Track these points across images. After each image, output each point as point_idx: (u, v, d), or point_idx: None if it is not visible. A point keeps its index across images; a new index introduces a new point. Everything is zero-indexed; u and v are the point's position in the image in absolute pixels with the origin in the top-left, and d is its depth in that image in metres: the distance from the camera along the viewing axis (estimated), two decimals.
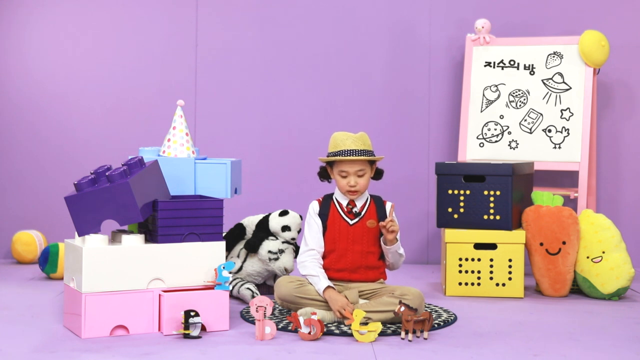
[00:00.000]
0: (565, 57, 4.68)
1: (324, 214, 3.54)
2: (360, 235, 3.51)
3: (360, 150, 3.46)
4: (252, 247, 3.89)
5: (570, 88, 4.66)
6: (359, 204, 3.54)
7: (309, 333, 3.18)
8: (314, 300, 3.41)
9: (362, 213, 3.53)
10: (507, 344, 3.16)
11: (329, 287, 3.40)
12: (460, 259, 4.06)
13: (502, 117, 4.73)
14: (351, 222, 3.52)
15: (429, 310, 3.58)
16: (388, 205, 3.57)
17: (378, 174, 3.57)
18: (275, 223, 3.94)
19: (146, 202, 3.26)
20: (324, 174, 3.58)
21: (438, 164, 4.16)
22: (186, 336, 3.18)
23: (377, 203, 3.57)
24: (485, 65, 4.79)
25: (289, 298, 3.42)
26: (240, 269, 3.95)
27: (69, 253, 3.34)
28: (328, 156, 3.50)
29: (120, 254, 3.23)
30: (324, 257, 3.53)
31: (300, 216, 3.98)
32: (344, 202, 3.53)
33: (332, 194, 3.58)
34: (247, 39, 5.03)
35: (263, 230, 3.95)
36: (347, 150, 3.45)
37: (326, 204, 3.56)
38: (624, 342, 3.21)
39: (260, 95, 5.04)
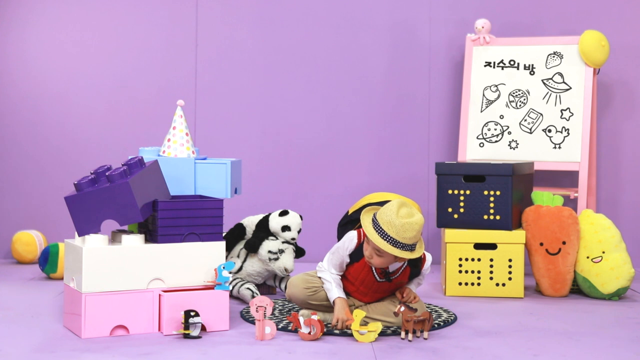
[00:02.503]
0: (565, 57, 4.68)
1: (356, 257, 3.29)
2: (385, 288, 3.34)
3: (396, 242, 3.12)
4: (252, 247, 3.89)
5: (570, 88, 4.66)
6: (393, 267, 3.28)
7: (309, 333, 3.18)
8: (323, 307, 3.38)
9: (395, 276, 3.31)
10: (507, 344, 3.16)
11: (341, 297, 3.30)
12: (460, 259, 4.06)
13: (502, 117, 4.73)
14: (379, 280, 3.31)
15: (429, 310, 3.58)
16: (426, 265, 3.34)
17: (415, 267, 3.31)
18: (275, 223, 3.93)
19: (146, 202, 3.26)
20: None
21: (438, 164, 4.16)
22: (186, 336, 3.18)
23: (414, 264, 3.32)
24: (485, 65, 4.79)
25: (299, 302, 3.40)
26: (240, 269, 3.95)
27: (69, 253, 3.34)
28: (373, 220, 3.18)
29: (120, 254, 3.22)
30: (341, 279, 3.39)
31: (301, 216, 3.98)
32: None
33: None
34: (247, 39, 5.03)
35: (263, 230, 3.94)
36: (384, 233, 3.13)
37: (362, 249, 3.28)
38: (624, 342, 3.21)
39: (261, 94, 5.04)
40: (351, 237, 3.32)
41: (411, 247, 3.16)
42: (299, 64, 5.04)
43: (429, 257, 3.38)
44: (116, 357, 2.93)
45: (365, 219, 3.21)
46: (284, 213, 3.96)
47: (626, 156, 4.96)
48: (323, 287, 3.38)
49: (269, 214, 3.99)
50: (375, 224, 3.16)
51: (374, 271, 3.30)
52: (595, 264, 4.00)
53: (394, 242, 3.12)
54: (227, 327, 3.31)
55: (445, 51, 5.01)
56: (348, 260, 3.32)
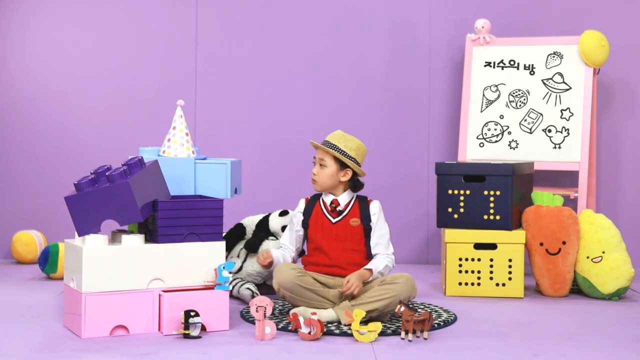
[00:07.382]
0: (565, 57, 4.68)
1: (307, 212, 3.56)
2: (344, 233, 3.51)
3: (327, 141, 3.52)
4: (252, 247, 3.89)
5: (570, 88, 4.66)
6: (342, 201, 3.54)
7: (309, 333, 3.18)
8: (312, 293, 3.40)
9: (345, 212, 3.53)
10: (507, 344, 3.16)
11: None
12: (460, 259, 4.06)
13: (502, 117, 4.73)
14: (333, 221, 3.53)
15: (429, 310, 3.58)
16: (374, 206, 3.56)
17: (355, 185, 3.55)
18: (275, 223, 3.94)
19: (146, 202, 3.26)
20: None
21: (438, 164, 4.16)
22: (186, 336, 3.18)
23: (362, 203, 3.56)
24: (485, 65, 4.79)
25: (289, 285, 3.40)
26: (240, 269, 3.95)
27: (69, 253, 3.34)
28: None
29: (120, 254, 3.23)
30: (311, 254, 3.56)
31: None
32: (328, 201, 3.55)
33: (322, 193, 3.60)
34: (247, 39, 5.03)
35: (263, 230, 3.95)
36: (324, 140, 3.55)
37: (312, 202, 3.59)
38: (624, 342, 3.21)
39: (260, 94, 5.04)
40: (300, 201, 3.63)
41: (343, 152, 3.48)
42: (299, 64, 5.04)
43: (376, 202, 3.57)
44: (116, 357, 2.93)
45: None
46: (284, 213, 3.96)
47: (626, 156, 4.96)
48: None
49: (269, 214, 3.99)
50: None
51: (327, 215, 3.52)
52: (595, 264, 4.00)
53: (328, 144, 3.50)
54: (227, 327, 3.31)
55: (445, 51, 5.01)
56: (301, 219, 3.56)
